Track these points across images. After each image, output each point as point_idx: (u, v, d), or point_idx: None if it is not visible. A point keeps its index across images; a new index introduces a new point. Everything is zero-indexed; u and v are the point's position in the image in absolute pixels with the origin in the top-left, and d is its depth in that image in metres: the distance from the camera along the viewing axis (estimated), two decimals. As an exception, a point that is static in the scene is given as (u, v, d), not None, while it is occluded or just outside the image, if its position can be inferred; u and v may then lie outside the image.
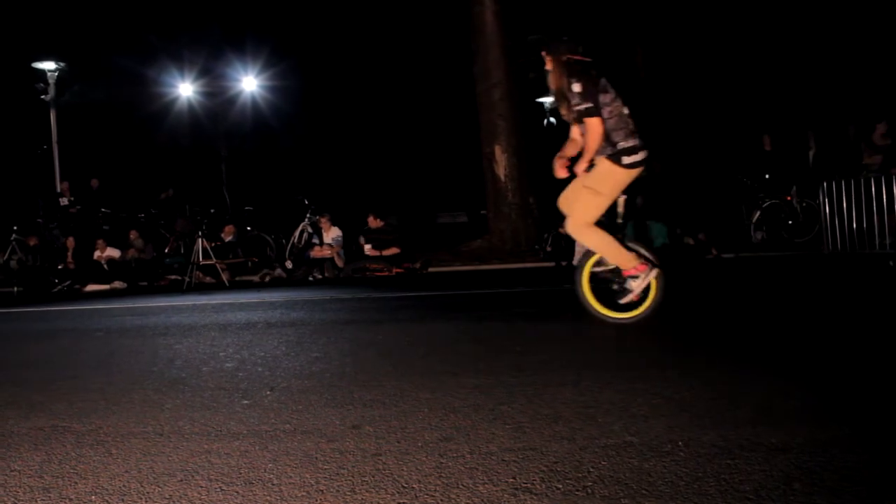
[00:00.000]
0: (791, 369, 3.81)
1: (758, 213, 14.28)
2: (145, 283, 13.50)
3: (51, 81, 18.32)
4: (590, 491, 2.29)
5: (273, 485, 2.47)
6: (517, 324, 6.14)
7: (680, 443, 2.66)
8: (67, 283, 13.83)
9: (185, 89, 24.03)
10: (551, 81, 5.27)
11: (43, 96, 18.41)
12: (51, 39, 20.70)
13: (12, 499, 2.47)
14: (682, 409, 3.11)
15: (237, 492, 2.42)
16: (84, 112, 21.84)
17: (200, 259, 12.77)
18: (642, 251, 5.28)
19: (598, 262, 5.30)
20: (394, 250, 13.25)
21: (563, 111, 5.23)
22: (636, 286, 5.11)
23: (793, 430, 2.75)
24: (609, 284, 5.32)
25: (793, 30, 19.65)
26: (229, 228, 14.49)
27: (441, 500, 2.28)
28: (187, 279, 12.67)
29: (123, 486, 2.53)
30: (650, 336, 5.16)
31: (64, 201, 16.17)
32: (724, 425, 2.84)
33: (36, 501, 2.44)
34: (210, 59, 24.01)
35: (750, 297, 7.48)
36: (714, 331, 5.32)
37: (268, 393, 3.76)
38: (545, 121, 23.83)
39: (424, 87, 24.01)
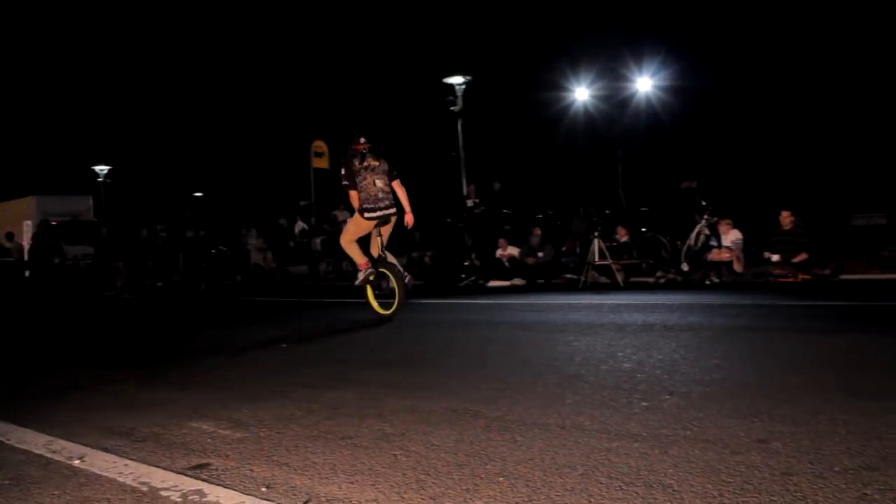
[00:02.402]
0: None
1: None
2: (542, 281, 14.08)
3: (458, 94, 20.13)
4: None
5: (674, 490, 2.40)
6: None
7: None
8: (472, 278, 14.93)
9: (581, 93, 24.72)
10: None
11: (452, 108, 20.28)
12: (459, 57, 22.83)
13: (433, 470, 2.73)
14: None
15: (637, 493, 2.40)
16: (487, 120, 23.66)
17: (596, 259, 13.02)
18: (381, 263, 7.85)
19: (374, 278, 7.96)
20: (802, 256, 12.22)
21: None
22: (359, 276, 7.93)
23: None
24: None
25: None
26: (623, 229, 14.56)
27: (867, 534, 2.04)
28: (583, 279, 12.99)
29: (528, 472, 2.64)
30: None
31: (470, 203, 17.43)
32: None
33: (452, 475, 2.65)
34: (606, 61, 24.42)
35: None
36: None
37: (667, 397, 3.68)
38: None
39: (828, 75, 21.96)
